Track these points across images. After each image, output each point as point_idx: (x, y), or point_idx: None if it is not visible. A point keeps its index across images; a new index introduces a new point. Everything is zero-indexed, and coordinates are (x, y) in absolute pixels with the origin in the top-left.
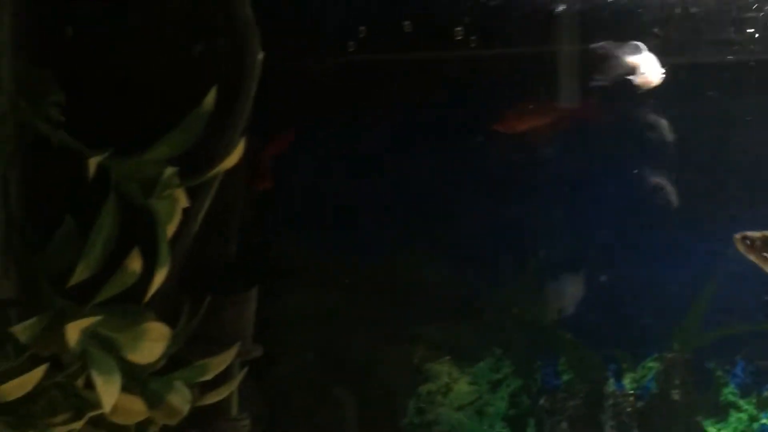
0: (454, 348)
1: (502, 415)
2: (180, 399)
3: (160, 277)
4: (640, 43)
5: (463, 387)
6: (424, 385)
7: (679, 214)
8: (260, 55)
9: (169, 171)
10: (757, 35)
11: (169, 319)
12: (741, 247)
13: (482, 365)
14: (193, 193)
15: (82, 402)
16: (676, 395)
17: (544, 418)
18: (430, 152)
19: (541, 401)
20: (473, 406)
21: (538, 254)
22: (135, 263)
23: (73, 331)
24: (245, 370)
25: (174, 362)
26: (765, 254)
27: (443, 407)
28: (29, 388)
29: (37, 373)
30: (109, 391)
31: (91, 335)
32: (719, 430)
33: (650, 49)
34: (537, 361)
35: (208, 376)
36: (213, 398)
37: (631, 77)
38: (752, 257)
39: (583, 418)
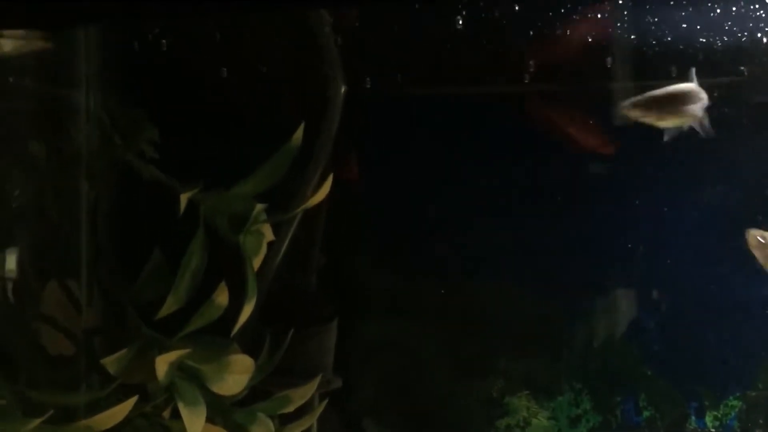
0: (533, 382)
1: None
2: (263, 430)
3: (247, 311)
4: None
5: (541, 422)
6: (503, 419)
7: None
8: (343, 90)
9: (259, 208)
10: None
11: (251, 351)
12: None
13: (561, 400)
14: (276, 227)
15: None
16: None
17: None
18: (516, 181)
19: None
20: None
21: (620, 289)
22: (222, 297)
23: (162, 364)
24: (325, 401)
25: (255, 393)
26: None
27: None
28: (120, 419)
29: (128, 405)
30: (195, 423)
31: (178, 367)
32: None
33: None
34: (617, 397)
35: (290, 408)
36: (294, 430)
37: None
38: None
39: None
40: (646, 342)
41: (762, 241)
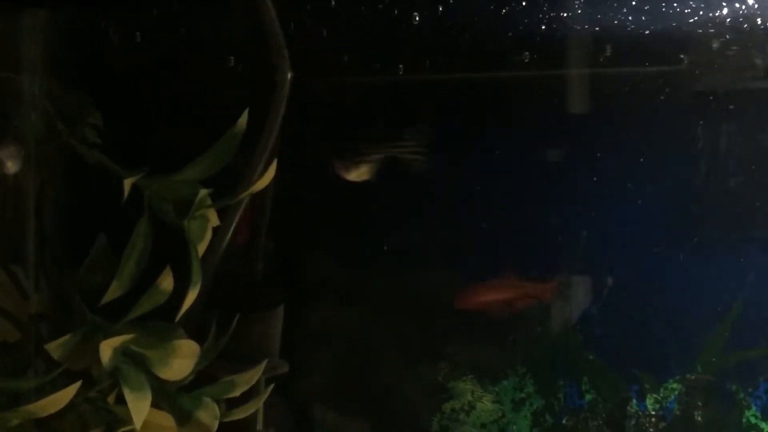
0: (478, 366)
1: None
2: (208, 415)
3: (191, 296)
4: None
5: (486, 405)
6: (448, 403)
7: (707, 233)
8: (289, 75)
9: (203, 193)
10: None
11: (197, 336)
12: None
13: (506, 384)
14: (222, 212)
15: (113, 417)
16: (698, 417)
17: None
18: (462, 167)
19: (564, 420)
20: (496, 424)
21: (564, 276)
22: (167, 282)
23: (107, 349)
24: (271, 386)
25: (201, 378)
26: None
27: (467, 425)
28: (63, 404)
29: (71, 390)
30: (140, 408)
31: (123, 352)
32: None
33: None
34: (560, 381)
35: (236, 393)
36: (240, 414)
37: None
38: None
39: None
40: (589, 327)
41: None
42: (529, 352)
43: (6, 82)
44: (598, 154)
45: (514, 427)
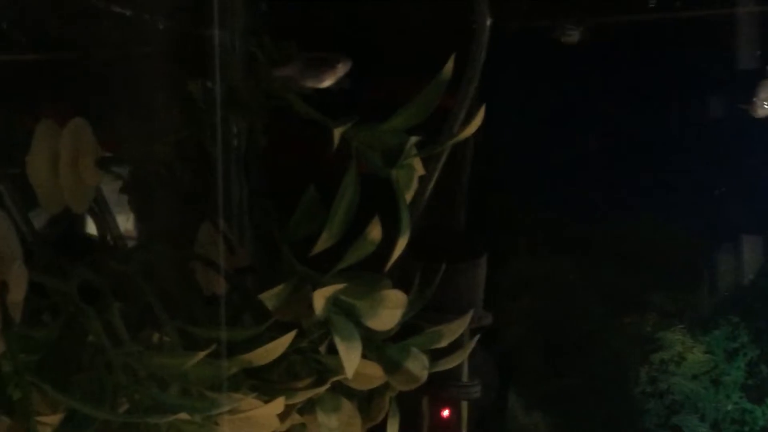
0: (688, 315)
1: (739, 385)
2: (417, 365)
3: (401, 246)
4: None
5: (697, 356)
6: (657, 354)
7: None
8: (489, 21)
9: (413, 140)
10: None
11: (399, 286)
12: None
13: (717, 333)
14: (425, 161)
15: (323, 367)
16: None
17: None
18: (661, 114)
19: None
20: (708, 375)
21: None
22: (375, 232)
23: (320, 299)
24: (476, 337)
25: (404, 329)
26: None
27: (676, 376)
28: (278, 353)
29: (286, 339)
30: (351, 357)
31: (333, 302)
32: None
33: None
34: None
35: (443, 343)
36: (445, 365)
37: None
38: None
39: None
40: None
41: None
42: (742, 300)
43: (207, 37)
44: None
45: (728, 378)
